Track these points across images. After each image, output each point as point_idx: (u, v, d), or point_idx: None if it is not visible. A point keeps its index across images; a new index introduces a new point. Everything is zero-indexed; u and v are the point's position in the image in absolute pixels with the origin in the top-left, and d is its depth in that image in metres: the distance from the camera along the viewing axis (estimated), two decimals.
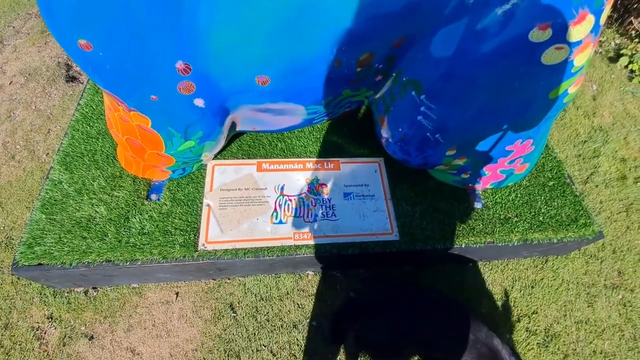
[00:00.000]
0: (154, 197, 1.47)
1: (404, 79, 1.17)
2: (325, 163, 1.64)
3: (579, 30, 0.92)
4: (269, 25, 0.90)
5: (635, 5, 2.87)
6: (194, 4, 0.85)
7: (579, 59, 0.98)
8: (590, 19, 0.91)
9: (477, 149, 1.28)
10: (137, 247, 1.34)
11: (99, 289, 1.53)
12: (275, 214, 1.47)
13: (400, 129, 1.31)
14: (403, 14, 0.93)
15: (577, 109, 2.41)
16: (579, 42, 0.94)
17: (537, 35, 0.91)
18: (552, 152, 1.80)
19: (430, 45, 1.04)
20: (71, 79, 2.31)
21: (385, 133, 1.42)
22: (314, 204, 1.51)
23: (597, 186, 2.05)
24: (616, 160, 2.18)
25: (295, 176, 1.58)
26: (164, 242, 1.36)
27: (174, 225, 1.41)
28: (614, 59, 2.77)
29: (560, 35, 0.91)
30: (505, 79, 1.01)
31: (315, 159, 1.65)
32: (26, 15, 2.68)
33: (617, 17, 3.01)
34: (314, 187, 1.56)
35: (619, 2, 2.99)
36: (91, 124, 1.65)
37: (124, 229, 1.38)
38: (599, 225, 1.60)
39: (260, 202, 1.49)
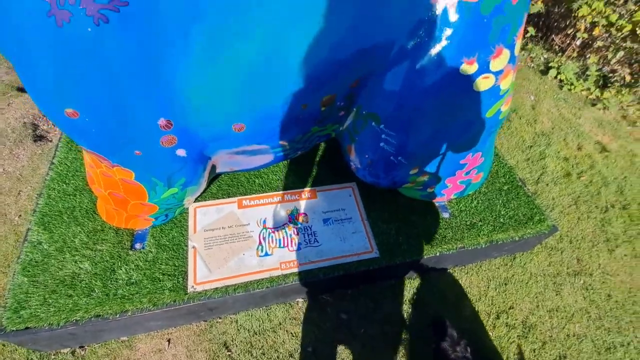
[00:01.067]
0: (138, 246, 1.49)
1: (364, 112, 1.32)
2: (302, 193, 1.74)
3: (498, 62, 1.11)
4: (239, 81, 1.02)
5: (555, 24, 3.32)
6: (171, 68, 0.96)
7: (504, 84, 1.18)
8: (506, 52, 1.11)
9: (435, 166, 1.44)
10: (126, 297, 1.35)
11: (86, 347, 1.49)
12: (260, 247, 1.53)
13: (366, 156, 1.46)
14: (355, 60, 1.09)
15: (520, 118, 2.70)
16: (501, 71, 1.14)
17: (466, 69, 1.10)
18: (503, 159, 2.01)
19: (382, 83, 1.20)
20: (39, 138, 2.31)
21: (354, 160, 1.56)
22: (296, 233, 1.59)
23: (547, 185, 2.29)
24: (560, 160, 2.45)
25: (276, 209, 1.66)
26: (152, 290, 1.38)
27: (161, 271, 1.44)
28: (544, 72, 3.15)
29: (484, 67, 1.11)
30: (447, 105, 1.18)
31: (292, 191, 1.75)
32: None
33: (542, 35, 3.45)
34: (295, 216, 1.65)
35: (541, 22, 3.44)
36: (67, 182, 1.67)
37: (111, 281, 1.39)
38: (553, 220, 1.79)
39: (244, 237, 1.56)
